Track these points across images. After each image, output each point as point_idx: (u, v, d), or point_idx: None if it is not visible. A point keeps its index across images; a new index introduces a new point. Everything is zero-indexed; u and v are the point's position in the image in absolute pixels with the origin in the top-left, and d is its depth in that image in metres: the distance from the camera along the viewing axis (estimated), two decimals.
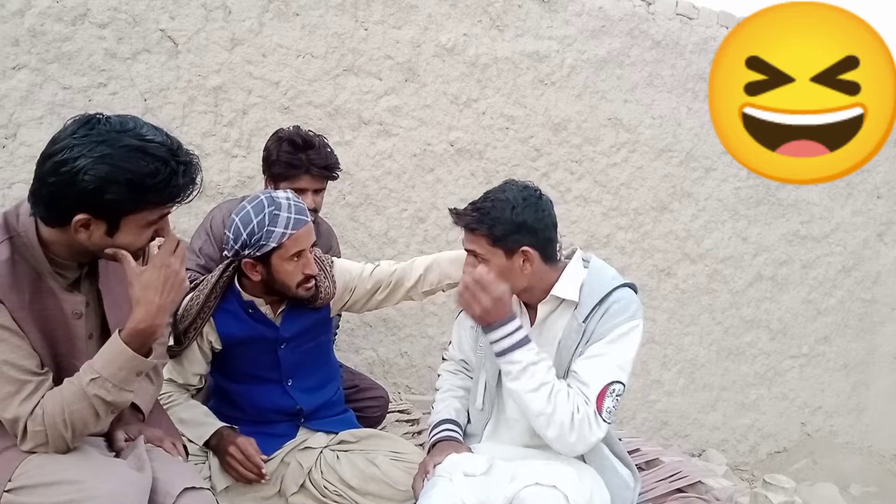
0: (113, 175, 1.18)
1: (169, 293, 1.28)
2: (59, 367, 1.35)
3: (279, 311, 1.84)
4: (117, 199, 1.20)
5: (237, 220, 1.66)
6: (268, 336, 1.82)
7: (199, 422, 1.78)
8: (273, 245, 1.65)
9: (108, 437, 1.48)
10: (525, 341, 1.56)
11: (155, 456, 1.39)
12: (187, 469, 1.43)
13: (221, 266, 1.83)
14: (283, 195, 1.71)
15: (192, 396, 1.90)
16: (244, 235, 1.64)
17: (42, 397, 1.26)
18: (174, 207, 1.30)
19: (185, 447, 1.55)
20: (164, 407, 1.83)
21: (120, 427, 1.47)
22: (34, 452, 1.29)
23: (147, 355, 1.30)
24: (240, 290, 1.82)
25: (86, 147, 1.18)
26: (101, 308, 1.42)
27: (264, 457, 1.75)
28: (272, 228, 1.64)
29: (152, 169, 1.21)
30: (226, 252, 1.73)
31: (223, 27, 2.83)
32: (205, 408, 1.84)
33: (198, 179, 1.29)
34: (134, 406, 1.52)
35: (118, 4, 2.65)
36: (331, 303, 1.90)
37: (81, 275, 1.36)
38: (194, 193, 1.29)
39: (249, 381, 1.86)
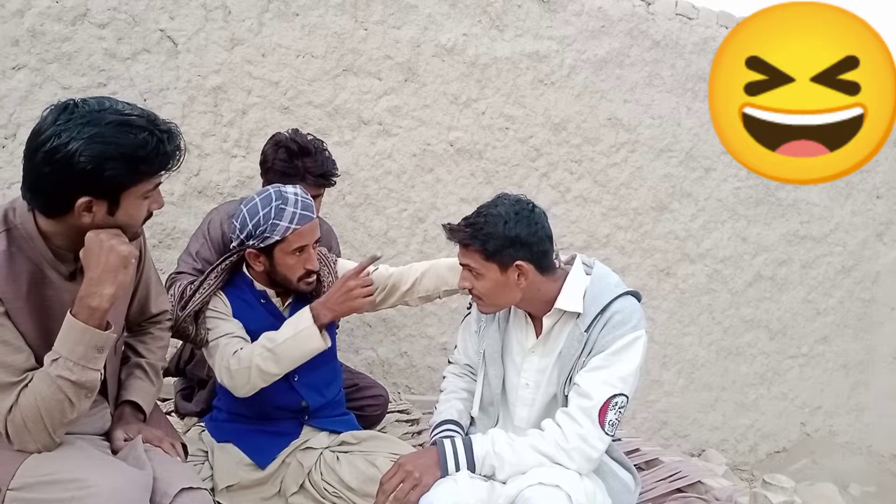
0: (107, 152, 1.20)
1: (102, 268, 1.25)
2: None
3: (286, 303, 1.86)
4: (115, 174, 1.22)
5: (245, 210, 1.70)
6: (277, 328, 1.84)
7: (291, 324, 1.73)
8: (276, 238, 1.68)
9: (108, 437, 1.48)
10: (469, 448, 1.55)
11: (153, 456, 1.39)
12: (185, 469, 1.43)
13: (227, 255, 1.84)
14: (292, 190, 1.73)
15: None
16: (249, 226, 1.68)
17: (20, 393, 1.25)
18: (165, 176, 1.32)
19: (184, 448, 1.55)
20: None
21: (120, 426, 1.48)
22: (28, 452, 1.28)
23: (101, 329, 1.27)
24: (252, 279, 1.84)
25: (73, 130, 1.19)
26: None
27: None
28: (277, 222, 1.67)
29: (141, 140, 1.23)
30: (232, 242, 1.75)
31: (223, 27, 2.83)
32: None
33: (182, 145, 1.32)
34: (135, 406, 1.53)
35: (118, 4, 2.65)
36: None
37: (77, 268, 1.36)
38: (182, 159, 1.33)
39: None
